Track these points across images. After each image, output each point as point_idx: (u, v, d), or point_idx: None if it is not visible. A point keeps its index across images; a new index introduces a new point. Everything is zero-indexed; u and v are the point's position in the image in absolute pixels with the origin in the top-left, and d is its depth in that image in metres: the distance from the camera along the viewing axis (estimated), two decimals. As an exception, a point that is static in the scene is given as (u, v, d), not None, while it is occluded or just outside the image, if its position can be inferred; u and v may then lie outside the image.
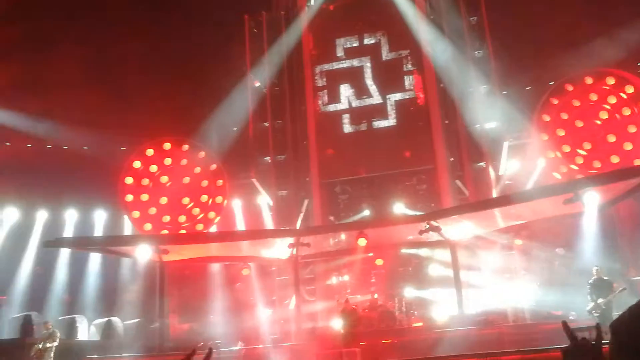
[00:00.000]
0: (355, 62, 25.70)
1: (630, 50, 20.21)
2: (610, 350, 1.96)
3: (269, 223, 24.86)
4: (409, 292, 20.96)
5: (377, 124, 24.88)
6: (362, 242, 18.96)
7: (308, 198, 25.02)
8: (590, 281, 15.26)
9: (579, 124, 21.71)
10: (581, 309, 15.50)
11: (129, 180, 24.75)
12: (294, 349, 18.43)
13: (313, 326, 20.74)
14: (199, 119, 24.48)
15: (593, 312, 14.94)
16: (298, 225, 24.23)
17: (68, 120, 23.54)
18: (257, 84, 26.31)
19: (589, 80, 21.82)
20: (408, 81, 25.02)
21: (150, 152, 25.11)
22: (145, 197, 24.72)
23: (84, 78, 24.18)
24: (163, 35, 25.42)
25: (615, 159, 20.81)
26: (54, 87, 23.62)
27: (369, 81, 25.26)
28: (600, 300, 14.81)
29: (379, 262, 22.48)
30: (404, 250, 22.63)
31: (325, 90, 25.79)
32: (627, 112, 21.22)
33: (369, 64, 25.47)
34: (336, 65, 25.95)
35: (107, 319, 21.35)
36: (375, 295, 21.22)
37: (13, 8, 22.02)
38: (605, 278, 15.18)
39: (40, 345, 16.65)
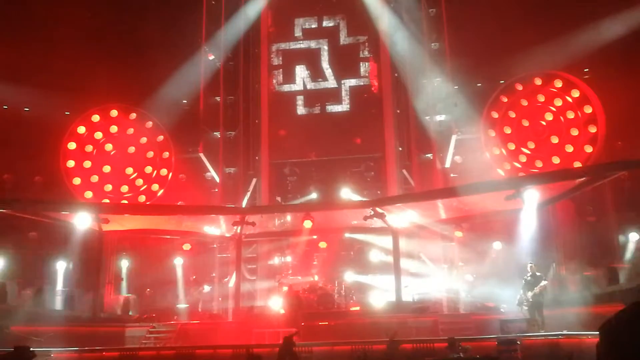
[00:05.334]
0: (312, 44, 25.54)
1: (580, 55, 20.74)
2: (602, 352, 2.02)
3: (214, 199, 24.55)
4: (349, 276, 21.17)
5: (331, 108, 24.88)
6: (307, 224, 19.03)
7: (256, 177, 24.87)
8: (525, 277, 15.73)
9: (525, 123, 22.32)
10: (513, 302, 16.00)
11: (72, 145, 23.99)
12: (232, 327, 18.40)
13: (252, 305, 20.74)
14: (149, 88, 23.74)
15: (523, 305, 15.46)
16: (244, 203, 24.07)
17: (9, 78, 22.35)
18: (211, 57, 25.71)
19: (538, 82, 22.41)
20: (364, 68, 25.08)
21: (96, 118, 24.37)
22: (87, 164, 24.05)
23: (33, 36, 23.12)
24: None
25: (556, 160, 21.53)
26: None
27: (325, 64, 25.17)
28: (529, 294, 15.32)
29: (322, 245, 22.62)
30: (348, 235, 22.82)
31: (281, 70, 25.55)
32: (571, 115, 21.92)
33: (326, 47, 25.34)
34: (293, 45, 25.72)
35: (38, 286, 20.63)
36: (316, 278, 21.39)
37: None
38: (538, 274, 15.69)
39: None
